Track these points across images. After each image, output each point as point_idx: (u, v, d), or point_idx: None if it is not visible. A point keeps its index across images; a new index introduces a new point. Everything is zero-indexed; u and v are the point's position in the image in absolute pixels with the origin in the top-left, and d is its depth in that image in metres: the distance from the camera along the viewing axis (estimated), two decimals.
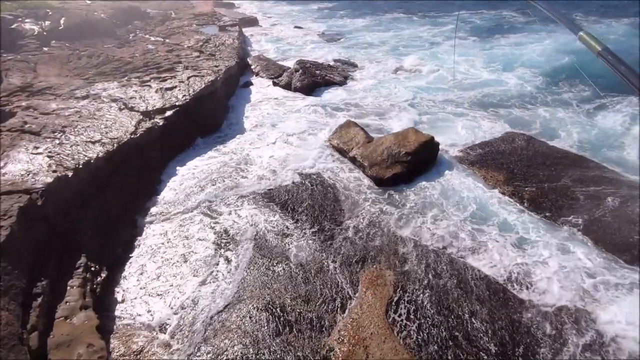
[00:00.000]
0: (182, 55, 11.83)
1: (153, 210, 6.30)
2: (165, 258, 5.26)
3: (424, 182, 6.80)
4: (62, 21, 12.76)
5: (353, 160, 7.51)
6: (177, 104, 8.28)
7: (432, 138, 7.35)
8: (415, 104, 10.41)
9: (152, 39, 14.17)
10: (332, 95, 11.24)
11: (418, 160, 7.00)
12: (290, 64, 13.43)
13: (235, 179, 7.16)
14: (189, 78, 9.63)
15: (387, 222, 5.87)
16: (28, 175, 5.04)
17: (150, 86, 9.06)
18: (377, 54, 16.12)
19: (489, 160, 7.40)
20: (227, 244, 5.49)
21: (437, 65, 13.64)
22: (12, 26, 11.31)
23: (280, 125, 9.31)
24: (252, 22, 24.17)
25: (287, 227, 5.84)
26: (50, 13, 13.22)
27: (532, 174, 6.87)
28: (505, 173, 6.90)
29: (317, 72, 12.08)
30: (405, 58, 14.79)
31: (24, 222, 4.17)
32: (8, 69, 9.17)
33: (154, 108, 7.96)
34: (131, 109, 7.80)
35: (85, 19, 13.50)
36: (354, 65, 14.25)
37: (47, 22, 12.47)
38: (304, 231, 5.74)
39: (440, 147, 7.53)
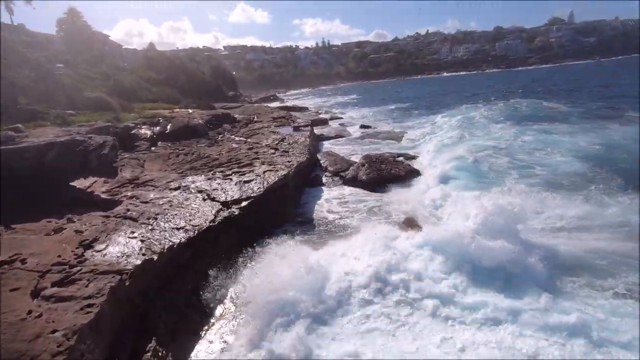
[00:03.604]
0: (260, 152, 13.29)
1: (226, 299, 6.41)
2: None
3: None
4: (168, 126, 15.48)
5: None
6: (252, 195, 9.04)
7: None
8: None
9: (237, 139, 16.31)
10: (398, 189, 11.33)
11: None
12: (356, 158, 14.20)
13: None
14: (264, 172, 10.62)
15: None
16: (122, 257, 5.66)
17: (231, 179, 10.13)
18: (444, 147, 16.41)
19: None
20: None
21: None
22: (132, 131, 14.01)
23: (346, 218, 9.53)
24: (324, 122, 26.80)
25: None
26: (161, 120, 16.24)
27: None
28: None
29: (383, 166, 12.52)
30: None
31: (112, 302, 4.58)
32: (123, 165, 11.08)
33: (232, 199, 8.77)
34: (213, 199, 8.69)
35: (186, 124, 16.23)
36: (418, 157, 14.58)
37: (157, 128, 15.22)
38: None
39: None
